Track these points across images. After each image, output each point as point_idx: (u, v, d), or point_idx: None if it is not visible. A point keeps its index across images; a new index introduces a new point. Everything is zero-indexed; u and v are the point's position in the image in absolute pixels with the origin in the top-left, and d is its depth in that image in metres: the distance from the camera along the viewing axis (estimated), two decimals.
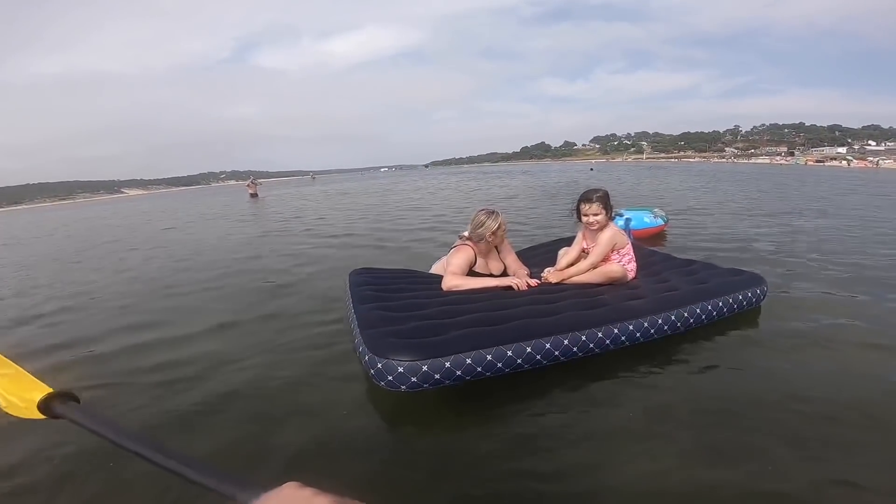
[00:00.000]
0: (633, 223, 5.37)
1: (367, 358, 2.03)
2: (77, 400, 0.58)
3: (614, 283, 2.90)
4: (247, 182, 24.70)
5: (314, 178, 77.72)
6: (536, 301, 2.59)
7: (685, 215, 8.33)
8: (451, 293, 2.72)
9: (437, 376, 1.97)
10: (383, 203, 14.36)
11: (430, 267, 3.48)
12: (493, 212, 2.90)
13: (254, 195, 22.14)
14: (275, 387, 2.37)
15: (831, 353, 2.53)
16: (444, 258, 3.24)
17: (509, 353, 2.10)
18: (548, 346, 2.19)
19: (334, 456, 1.81)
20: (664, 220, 6.02)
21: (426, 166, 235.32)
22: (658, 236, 5.89)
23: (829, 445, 1.74)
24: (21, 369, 0.63)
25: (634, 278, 3.00)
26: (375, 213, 11.46)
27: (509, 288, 2.80)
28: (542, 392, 2.18)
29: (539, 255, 3.66)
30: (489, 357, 2.06)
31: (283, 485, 0.40)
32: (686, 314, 2.61)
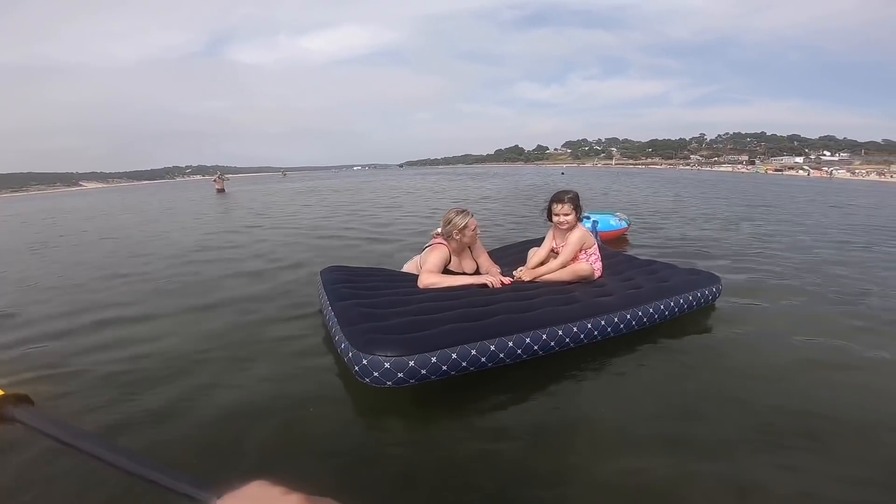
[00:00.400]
0: (599, 225, 5.52)
1: (350, 355, 2.03)
2: (31, 402, 0.54)
3: (583, 281, 3.03)
4: (214, 177, 24.04)
5: (285, 174, 73.69)
6: (511, 298, 2.67)
7: (647, 219, 8.70)
8: (427, 290, 2.75)
9: (423, 371, 1.99)
10: (356, 201, 14.22)
11: (403, 266, 3.51)
12: (463, 210, 2.97)
13: (220, 190, 21.62)
14: (241, 382, 2.33)
15: (779, 345, 2.76)
16: (417, 257, 3.29)
17: (492, 347, 2.16)
18: (528, 340, 2.27)
19: (304, 453, 1.79)
20: (627, 224, 6.31)
21: (400, 166, 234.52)
22: (621, 238, 6.18)
23: (781, 433, 1.87)
24: None
25: (601, 277, 3.14)
26: (346, 210, 11.36)
27: (484, 286, 2.86)
28: (507, 389, 2.23)
29: (510, 255, 3.74)
30: (473, 352, 2.11)
31: (249, 483, 0.38)
32: (651, 310, 2.75)
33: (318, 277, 3.15)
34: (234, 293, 3.96)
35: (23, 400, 0.53)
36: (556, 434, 1.90)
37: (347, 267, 3.39)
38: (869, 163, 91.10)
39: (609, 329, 2.56)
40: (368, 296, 2.67)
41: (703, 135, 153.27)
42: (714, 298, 3.22)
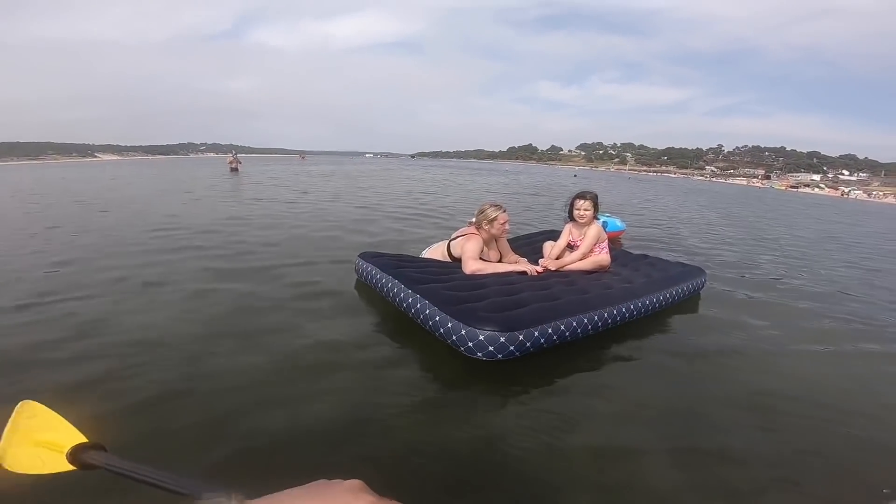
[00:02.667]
0: (608, 227, 5.62)
1: (463, 332, 2.22)
2: (104, 449, 0.57)
3: (600, 270, 3.45)
4: (229, 157, 24.06)
5: (304, 157, 68.91)
6: (547, 286, 2.93)
7: (645, 226, 8.85)
8: (473, 276, 2.98)
9: (527, 344, 2.27)
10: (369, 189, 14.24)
11: (420, 252, 3.68)
12: (497, 205, 3.26)
13: (234, 170, 21.65)
14: (243, 371, 2.22)
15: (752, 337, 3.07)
16: (436, 245, 3.57)
17: (573, 323, 2.50)
18: (585, 320, 2.58)
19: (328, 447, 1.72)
20: (624, 227, 6.89)
21: (412, 156, 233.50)
22: (615, 240, 6.29)
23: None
24: (56, 415, 0.61)
25: (611, 268, 3.54)
26: (361, 197, 11.40)
27: (524, 273, 3.15)
28: (507, 383, 2.27)
29: (522, 246, 3.98)
30: (562, 327, 2.44)
31: (310, 483, 0.39)
32: (658, 298, 3.12)
33: (361, 261, 3.37)
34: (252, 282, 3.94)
35: (98, 447, 0.57)
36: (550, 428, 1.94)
37: (385, 253, 3.59)
38: (888, 185, 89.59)
39: (635, 312, 2.92)
40: (436, 280, 2.85)
41: (720, 146, 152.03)
42: (700, 289, 3.72)
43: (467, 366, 2.30)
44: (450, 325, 2.30)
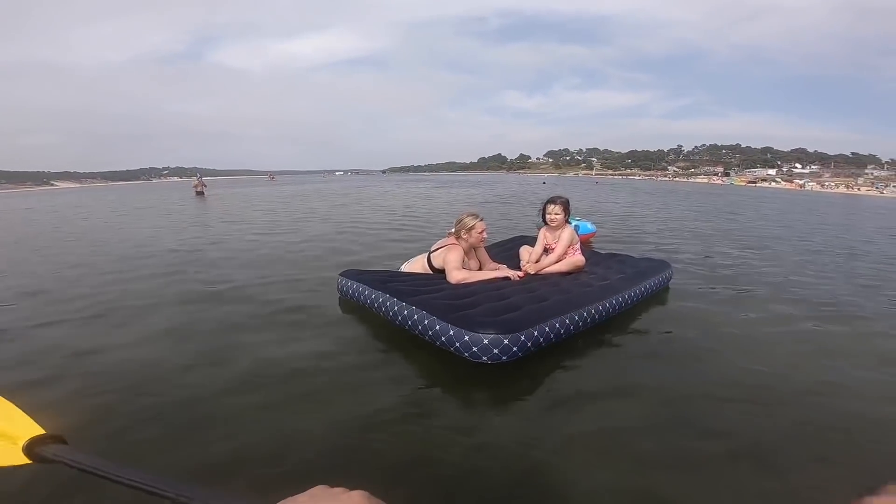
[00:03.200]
0: (580, 230, 5.73)
1: (466, 338, 2.28)
2: (65, 441, 0.55)
3: (577, 272, 3.56)
4: (194, 181, 23.50)
5: (273, 178, 72.23)
6: (532, 289, 3.05)
7: (616, 227, 9.14)
8: (460, 285, 3.04)
9: (528, 344, 2.35)
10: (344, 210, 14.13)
11: (399, 267, 3.73)
12: (474, 214, 3.37)
13: (200, 193, 21.16)
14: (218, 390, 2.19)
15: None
16: (415, 259, 3.64)
17: (566, 321, 2.61)
18: (576, 317, 2.70)
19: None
20: (595, 229, 7.14)
21: (383, 172, 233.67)
22: (586, 241, 6.49)
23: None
24: (10, 404, 0.58)
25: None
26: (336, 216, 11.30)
27: (507, 279, 3.26)
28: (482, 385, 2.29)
29: (497, 255, 4.03)
30: (557, 325, 2.54)
31: (311, 489, 0.40)
32: (629, 294, 3.24)
33: (344, 280, 3.40)
34: (226, 306, 3.89)
35: (57, 440, 0.55)
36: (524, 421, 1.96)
37: (367, 270, 3.64)
38: (837, 175, 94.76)
39: (617, 306, 3.06)
40: (425, 291, 2.88)
41: (680, 146, 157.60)
42: (668, 281, 3.90)
43: (454, 374, 2.33)
44: (451, 332, 2.35)
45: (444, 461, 1.68)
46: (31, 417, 0.58)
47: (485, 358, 2.24)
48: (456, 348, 2.33)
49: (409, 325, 2.64)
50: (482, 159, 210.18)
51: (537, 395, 2.18)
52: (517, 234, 5.63)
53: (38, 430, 0.55)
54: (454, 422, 1.95)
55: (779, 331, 3.11)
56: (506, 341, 2.25)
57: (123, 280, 4.43)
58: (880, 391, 2.30)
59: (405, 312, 2.69)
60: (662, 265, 3.99)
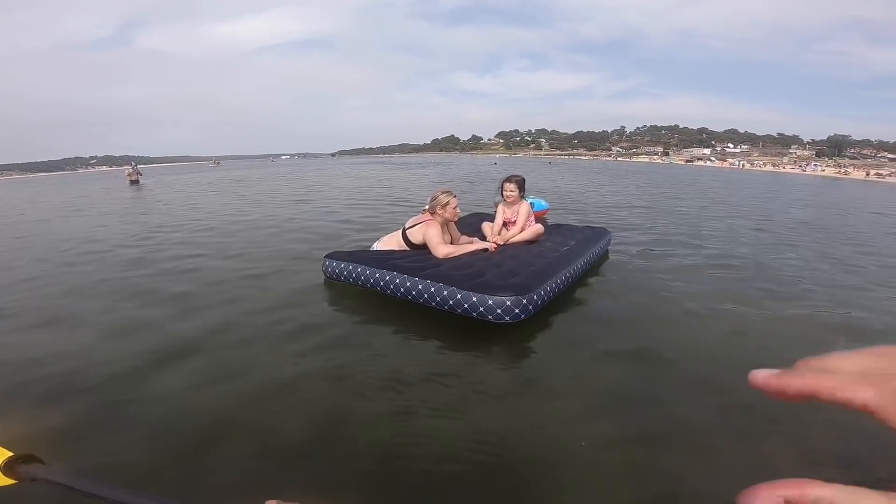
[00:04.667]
0: (534, 207, 5.91)
1: (490, 302, 2.53)
2: (40, 461, 0.54)
3: (538, 239, 3.87)
4: (128, 169, 21.74)
5: (218, 163, 67.69)
6: (515, 256, 3.36)
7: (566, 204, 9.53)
8: (447, 259, 3.24)
9: (539, 303, 2.68)
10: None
11: (372, 245, 3.80)
12: (448, 191, 3.55)
13: (134, 182, 19.74)
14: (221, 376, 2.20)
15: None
16: (387, 236, 3.78)
17: (558, 281, 2.99)
18: (565, 276, 3.15)
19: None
20: (548, 206, 7.57)
21: (333, 155, 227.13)
22: (541, 218, 6.71)
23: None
24: None
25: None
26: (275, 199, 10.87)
27: (485, 250, 3.51)
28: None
29: (464, 227, 4.15)
30: (553, 285, 2.90)
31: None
32: (590, 256, 3.75)
33: (332, 261, 3.43)
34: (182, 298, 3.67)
35: (33, 459, 0.54)
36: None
37: (354, 251, 3.66)
38: (765, 154, 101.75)
39: (580, 269, 3.49)
40: (426, 267, 3.03)
41: (623, 127, 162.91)
42: (608, 245, 4.44)
43: (437, 358, 2.39)
44: (474, 298, 2.58)
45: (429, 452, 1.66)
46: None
47: (507, 318, 2.51)
48: (480, 312, 2.56)
49: (425, 298, 2.80)
50: (435, 140, 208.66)
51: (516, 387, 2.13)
52: (470, 212, 5.66)
53: (7, 454, 0.54)
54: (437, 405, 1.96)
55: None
56: (524, 301, 2.54)
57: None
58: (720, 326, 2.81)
59: (419, 287, 2.84)
60: (602, 232, 4.47)
